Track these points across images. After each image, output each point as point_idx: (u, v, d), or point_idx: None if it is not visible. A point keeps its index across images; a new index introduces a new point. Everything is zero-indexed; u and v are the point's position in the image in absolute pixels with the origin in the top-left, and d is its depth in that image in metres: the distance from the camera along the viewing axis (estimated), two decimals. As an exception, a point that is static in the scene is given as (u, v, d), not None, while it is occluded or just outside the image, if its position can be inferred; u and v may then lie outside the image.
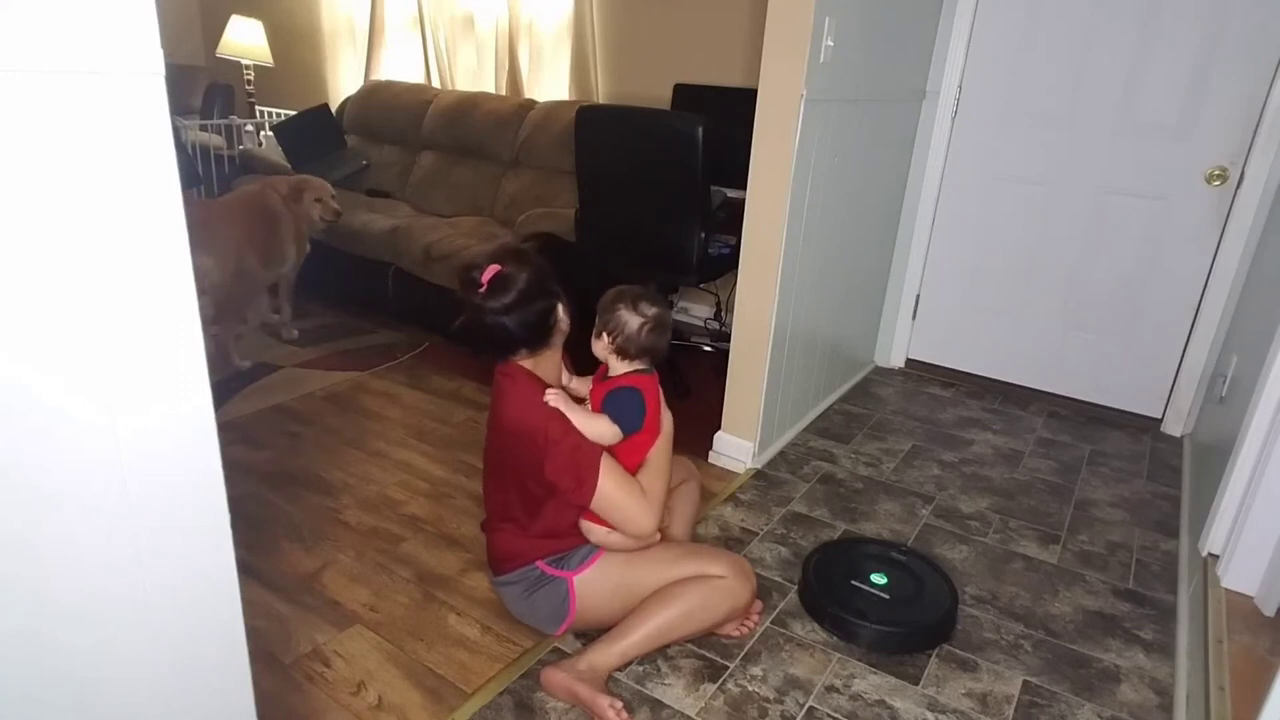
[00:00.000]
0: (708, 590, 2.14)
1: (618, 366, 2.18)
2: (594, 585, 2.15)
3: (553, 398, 2.05)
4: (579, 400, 2.18)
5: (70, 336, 1.02)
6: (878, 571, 2.53)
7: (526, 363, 2.11)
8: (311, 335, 4.42)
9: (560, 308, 2.10)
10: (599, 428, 2.08)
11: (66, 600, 1.12)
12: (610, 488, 2.05)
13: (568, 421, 2.04)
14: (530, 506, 2.14)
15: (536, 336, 2.08)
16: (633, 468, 2.15)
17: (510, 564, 2.22)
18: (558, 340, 2.15)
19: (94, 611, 1.15)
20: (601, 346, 2.17)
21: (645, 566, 2.16)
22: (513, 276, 2.00)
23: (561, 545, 2.18)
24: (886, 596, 2.44)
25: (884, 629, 2.31)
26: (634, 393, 2.14)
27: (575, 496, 2.06)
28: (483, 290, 1.99)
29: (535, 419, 2.03)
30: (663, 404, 2.24)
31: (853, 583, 2.48)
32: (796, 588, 2.55)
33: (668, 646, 2.20)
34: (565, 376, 2.30)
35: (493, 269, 2.00)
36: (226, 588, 1.32)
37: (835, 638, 2.34)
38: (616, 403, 2.12)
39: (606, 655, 2.07)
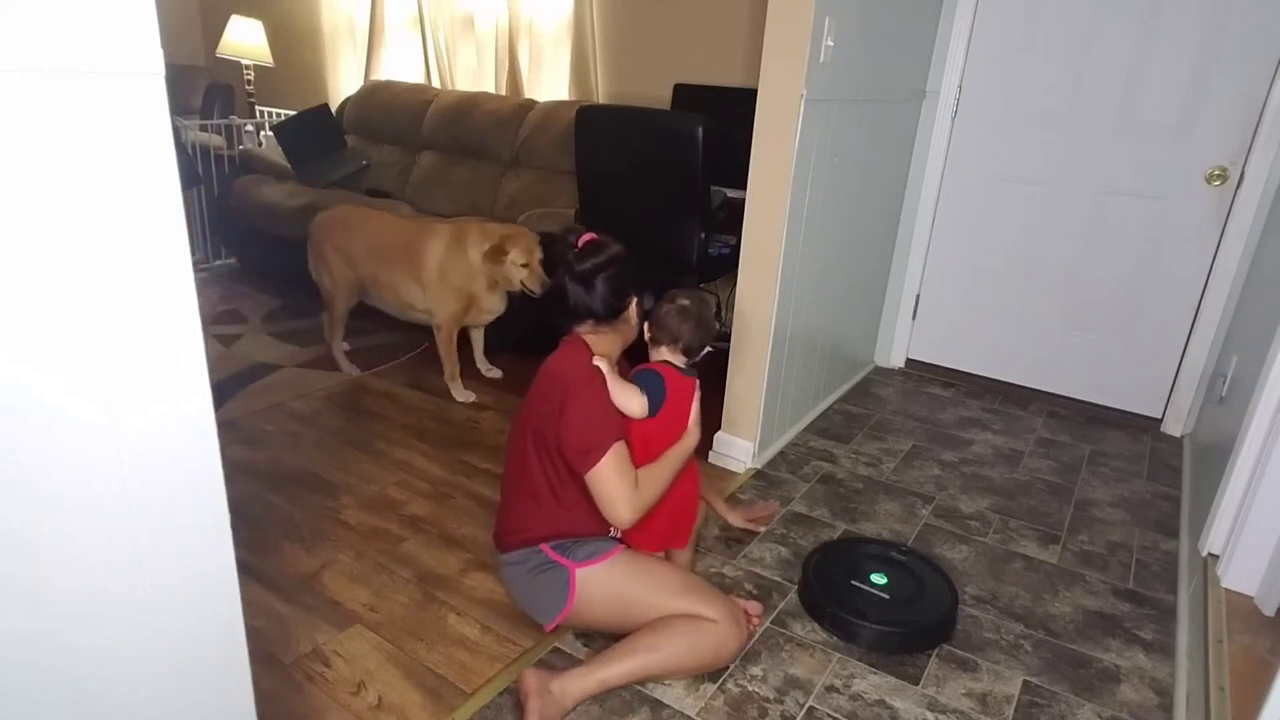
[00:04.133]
0: (697, 635, 2.07)
1: (653, 356, 2.32)
2: (595, 584, 2.13)
3: (600, 362, 2.14)
4: None
5: (70, 336, 1.02)
6: (878, 571, 2.53)
7: (589, 336, 2.21)
8: (312, 335, 4.42)
9: (636, 302, 2.26)
10: (629, 400, 2.15)
11: (66, 600, 1.11)
12: (609, 469, 2.05)
13: (601, 392, 2.11)
14: (548, 478, 2.16)
15: (607, 310, 2.19)
16: (640, 459, 2.17)
17: (518, 537, 2.21)
18: (623, 329, 2.27)
19: (94, 611, 1.15)
20: (648, 338, 2.34)
21: (647, 587, 2.13)
22: (605, 245, 2.20)
23: (571, 528, 2.18)
24: (886, 596, 2.44)
25: (884, 629, 2.31)
26: (655, 375, 2.24)
27: (576, 461, 2.07)
28: (577, 250, 2.17)
29: (571, 374, 2.11)
30: (695, 418, 2.28)
31: (853, 583, 2.48)
32: (796, 588, 2.55)
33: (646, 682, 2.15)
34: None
35: (589, 235, 2.18)
36: (226, 588, 1.32)
37: (835, 638, 2.34)
38: (635, 381, 2.23)
39: (584, 681, 2.01)
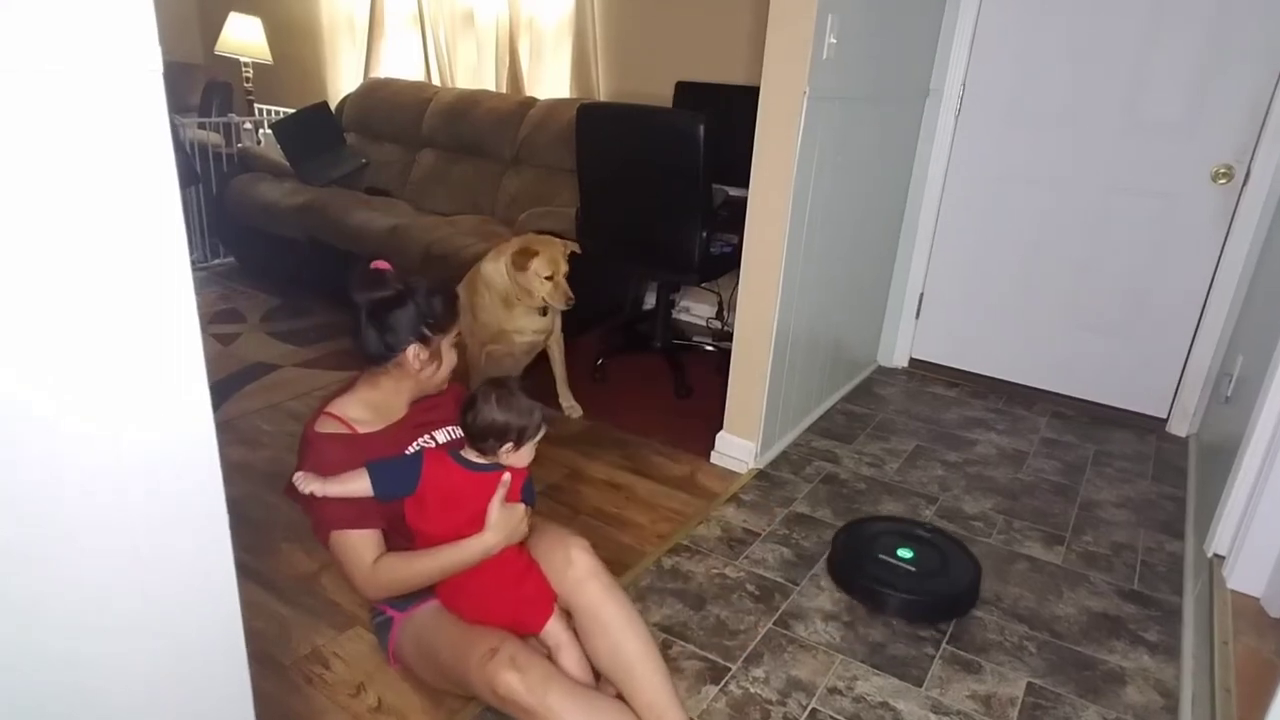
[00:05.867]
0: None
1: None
2: (411, 629, 2.04)
3: (330, 425, 1.98)
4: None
5: (67, 337, 1.02)
6: (904, 546, 2.65)
7: (367, 377, 2.07)
8: (310, 334, 4.42)
9: (416, 350, 2.00)
10: (352, 486, 1.88)
11: (64, 603, 1.11)
12: (335, 547, 1.95)
13: (312, 461, 1.91)
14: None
15: (375, 349, 1.99)
16: (416, 525, 1.94)
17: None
18: (397, 374, 2.04)
19: (92, 613, 1.15)
20: None
21: (445, 640, 1.96)
22: (388, 285, 1.98)
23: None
24: (913, 569, 2.56)
25: (911, 597, 2.45)
26: (410, 458, 1.97)
27: (312, 528, 1.99)
28: (360, 277, 1.99)
29: (303, 434, 1.99)
30: (493, 519, 1.90)
31: (880, 556, 2.60)
32: (825, 560, 2.69)
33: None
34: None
35: (380, 265, 2.01)
36: (226, 589, 1.32)
37: (863, 607, 2.49)
38: (392, 458, 1.98)
39: None
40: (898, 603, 2.45)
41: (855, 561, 2.59)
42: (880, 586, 2.48)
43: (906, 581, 2.50)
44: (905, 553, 2.61)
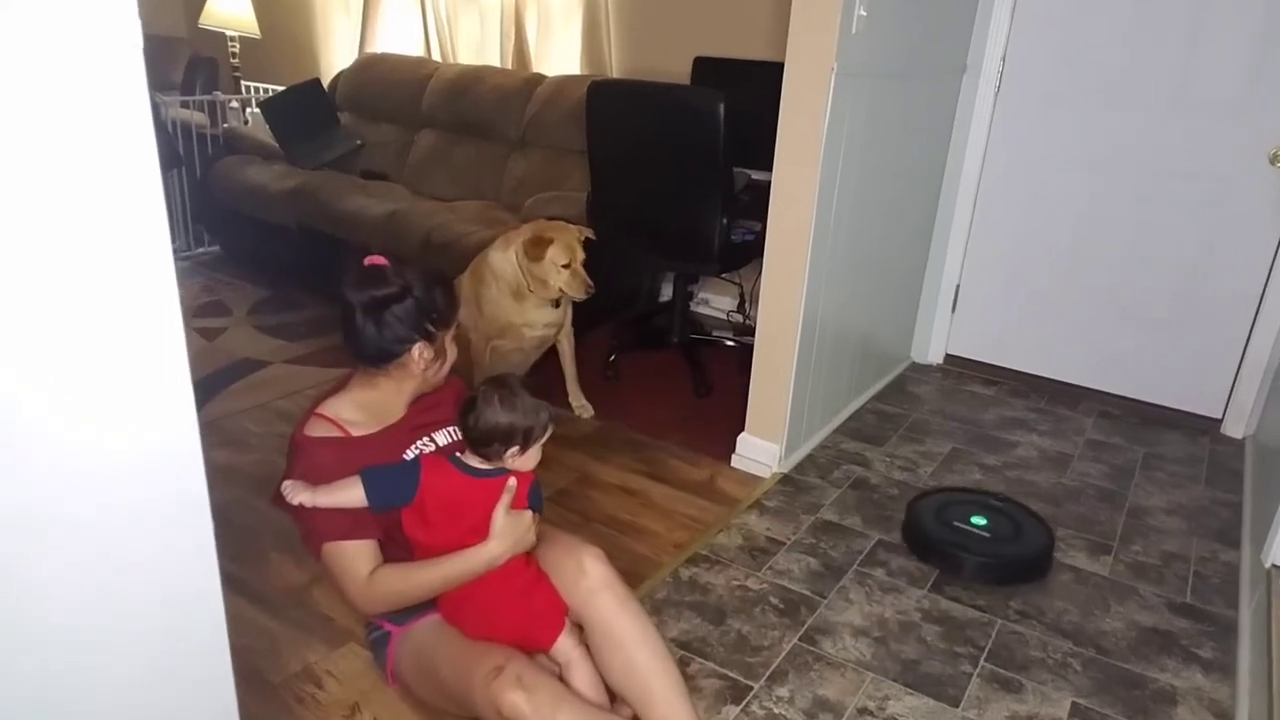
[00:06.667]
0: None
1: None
2: (411, 645, 2.03)
3: (321, 429, 1.98)
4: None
5: (40, 334, 1.02)
6: (977, 514, 2.86)
7: (363, 377, 2.06)
8: (301, 328, 4.44)
9: (421, 349, 2.01)
10: (344, 496, 1.87)
11: (35, 619, 1.11)
12: (328, 558, 1.94)
13: (302, 468, 1.92)
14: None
15: (373, 351, 2.00)
16: (415, 536, 1.94)
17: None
18: (398, 374, 2.04)
19: (66, 627, 1.15)
20: None
21: (447, 657, 1.94)
22: (387, 281, 1.96)
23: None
24: (987, 535, 2.78)
25: (987, 560, 2.69)
26: (407, 466, 1.98)
27: (301, 539, 1.98)
28: (358, 274, 1.98)
29: (293, 439, 1.99)
30: (498, 527, 1.89)
31: (955, 524, 2.82)
32: (900, 530, 2.89)
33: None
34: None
35: (376, 260, 1.99)
36: (210, 602, 1.31)
37: (939, 572, 2.71)
38: (387, 466, 1.98)
39: None
40: (974, 565, 2.68)
41: (930, 528, 2.80)
42: (956, 550, 2.71)
43: (981, 546, 2.72)
44: (979, 520, 2.83)
